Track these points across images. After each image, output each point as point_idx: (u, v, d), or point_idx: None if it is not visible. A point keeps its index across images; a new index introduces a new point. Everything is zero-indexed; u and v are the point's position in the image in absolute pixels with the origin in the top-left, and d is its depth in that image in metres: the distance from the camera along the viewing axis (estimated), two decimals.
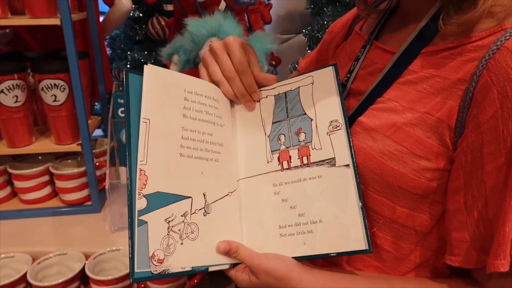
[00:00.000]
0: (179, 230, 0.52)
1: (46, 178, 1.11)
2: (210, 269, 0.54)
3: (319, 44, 0.79)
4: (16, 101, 0.99)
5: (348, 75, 0.61)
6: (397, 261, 0.55)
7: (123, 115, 1.10)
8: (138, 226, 0.48)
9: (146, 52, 1.62)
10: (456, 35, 0.48)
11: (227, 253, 0.54)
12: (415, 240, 0.53)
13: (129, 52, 1.65)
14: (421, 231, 0.53)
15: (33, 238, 1.00)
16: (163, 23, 1.59)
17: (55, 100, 1.01)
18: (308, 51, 1.26)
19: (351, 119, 0.55)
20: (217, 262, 0.54)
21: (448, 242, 0.50)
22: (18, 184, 1.10)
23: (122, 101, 1.03)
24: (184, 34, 1.11)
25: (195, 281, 0.96)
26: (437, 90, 0.48)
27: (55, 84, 0.99)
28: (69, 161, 1.17)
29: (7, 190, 1.12)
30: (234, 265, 0.56)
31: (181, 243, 0.51)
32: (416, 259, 0.54)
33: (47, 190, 1.13)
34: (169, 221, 0.51)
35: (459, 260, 0.48)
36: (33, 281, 0.83)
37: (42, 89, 1.00)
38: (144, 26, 1.64)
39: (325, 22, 1.16)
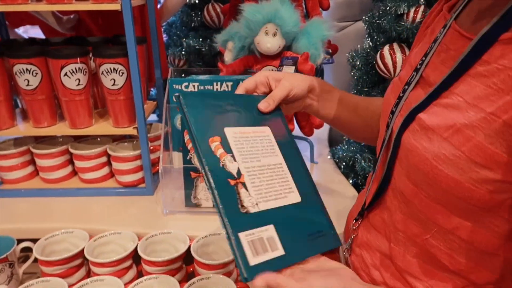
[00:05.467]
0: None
1: (104, 159, 1.16)
2: None
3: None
4: (78, 84, 1.03)
5: (424, 58, 0.54)
6: (454, 275, 0.49)
7: None
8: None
9: (201, 39, 1.63)
10: None
11: None
12: (475, 258, 0.47)
13: (184, 39, 1.66)
14: (482, 250, 0.46)
15: (90, 215, 1.05)
16: (218, 9, 1.59)
17: (114, 84, 1.04)
18: (368, 39, 1.20)
19: (412, 114, 0.50)
20: None
21: None
22: (78, 163, 1.15)
23: (177, 86, 1.04)
24: (239, 20, 1.10)
25: None
26: (508, 87, 0.41)
27: (114, 69, 1.02)
28: (126, 143, 1.21)
29: (69, 169, 1.18)
30: None
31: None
32: (477, 280, 0.48)
33: (104, 171, 1.17)
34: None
35: None
36: (90, 257, 0.86)
37: (102, 73, 1.03)
38: (199, 13, 1.65)
39: (388, 8, 1.09)
